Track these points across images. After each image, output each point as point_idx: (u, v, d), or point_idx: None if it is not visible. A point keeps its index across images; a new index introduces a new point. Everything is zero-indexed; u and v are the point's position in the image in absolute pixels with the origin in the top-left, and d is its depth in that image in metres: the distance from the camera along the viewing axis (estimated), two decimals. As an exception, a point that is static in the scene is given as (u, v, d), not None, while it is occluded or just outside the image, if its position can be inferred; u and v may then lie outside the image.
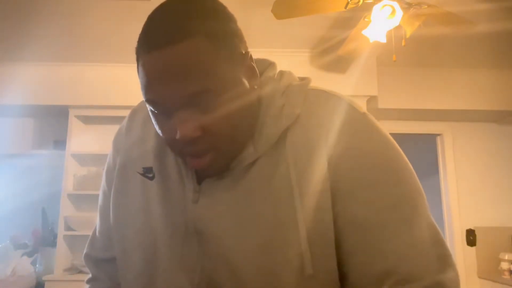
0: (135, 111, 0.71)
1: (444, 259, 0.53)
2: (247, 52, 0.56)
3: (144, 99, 0.53)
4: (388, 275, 0.51)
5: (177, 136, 0.50)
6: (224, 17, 0.54)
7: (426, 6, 1.91)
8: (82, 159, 3.17)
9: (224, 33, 0.52)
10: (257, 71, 0.58)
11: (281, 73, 0.63)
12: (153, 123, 0.59)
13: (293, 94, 0.58)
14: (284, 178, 0.54)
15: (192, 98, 0.50)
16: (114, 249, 0.68)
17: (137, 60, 0.53)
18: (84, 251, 0.77)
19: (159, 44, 0.48)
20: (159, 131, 0.55)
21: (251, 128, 0.57)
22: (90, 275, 0.76)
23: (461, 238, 3.36)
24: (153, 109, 0.53)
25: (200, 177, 0.59)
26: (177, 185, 0.60)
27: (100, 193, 0.74)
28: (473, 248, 3.32)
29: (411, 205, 0.54)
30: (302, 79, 0.62)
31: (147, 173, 0.63)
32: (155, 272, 0.60)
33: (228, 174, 0.57)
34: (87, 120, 3.24)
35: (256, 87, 0.57)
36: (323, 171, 0.53)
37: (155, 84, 0.50)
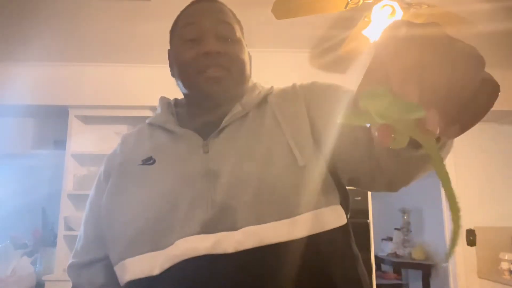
0: (126, 135, 0.82)
1: None
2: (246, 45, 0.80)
3: (182, 28, 0.76)
4: None
5: (206, 49, 0.72)
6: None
7: (426, 6, 1.91)
8: (82, 159, 3.16)
9: (238, 20, 0.80)
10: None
11: (254, 82, 0.84)
12: (146, 135, 0.76)
13: (265, 88, 0.82)
14: (272, 118, 0.72)
15: (222, 25, 0.74)
16: (95, 251, 0.74)
17: (176, 20, 0.79)
18: (67, 265, 0.79)
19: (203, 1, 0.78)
20: (184, 58, 0.74)
21: (243, 87, 0.78)
22: (71, 286, 0.79)
23: (461, 238, 3.36)
24: (187, 36, 0.74)
25: (204, 137, 0.73)
26: (181, 151, 0.71)
27: (87, 205, 0.79)
28: (473, 248, 3.32)
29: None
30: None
31: (146, 162, 0.71)
32: (172, 215, 0.65)
33: (226, 128, 0.72)
34: (87, 120, 3.24)
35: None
36: (302, 103, 0.74)
37: (198, 11, 0.76)
